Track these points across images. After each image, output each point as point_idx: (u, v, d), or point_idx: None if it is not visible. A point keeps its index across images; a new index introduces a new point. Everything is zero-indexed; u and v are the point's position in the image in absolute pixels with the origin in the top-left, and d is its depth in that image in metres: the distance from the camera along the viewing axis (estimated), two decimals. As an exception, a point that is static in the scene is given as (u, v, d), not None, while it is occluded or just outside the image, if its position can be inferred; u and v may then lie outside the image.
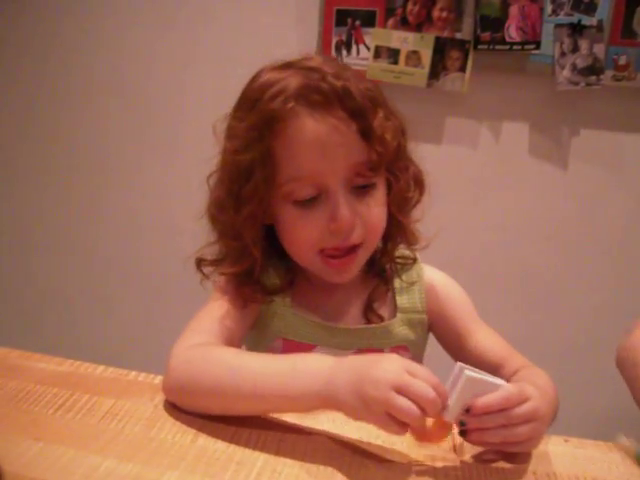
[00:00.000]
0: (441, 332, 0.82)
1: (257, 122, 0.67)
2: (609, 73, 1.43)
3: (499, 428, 0.54)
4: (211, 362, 0.63)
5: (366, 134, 0.67)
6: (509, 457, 0.58)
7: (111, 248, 1.81)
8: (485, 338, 0.79)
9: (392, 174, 0.74)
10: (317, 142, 0.67)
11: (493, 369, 0.73)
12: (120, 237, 1.79)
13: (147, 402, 0.64)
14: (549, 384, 0.68)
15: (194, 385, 0.62)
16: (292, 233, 0.72)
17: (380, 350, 0.77)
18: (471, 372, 0.54)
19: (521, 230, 1.59)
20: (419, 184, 0.78)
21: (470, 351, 0.78)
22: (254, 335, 0.79)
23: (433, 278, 0.82)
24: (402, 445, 0.60)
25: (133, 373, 0.70)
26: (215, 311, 0.73)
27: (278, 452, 0.58)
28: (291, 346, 0.76)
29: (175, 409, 0.64)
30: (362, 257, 0.74)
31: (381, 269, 0.81)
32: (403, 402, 0.51)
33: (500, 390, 0.54)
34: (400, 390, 0.52)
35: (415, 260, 0.82)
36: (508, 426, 0.54)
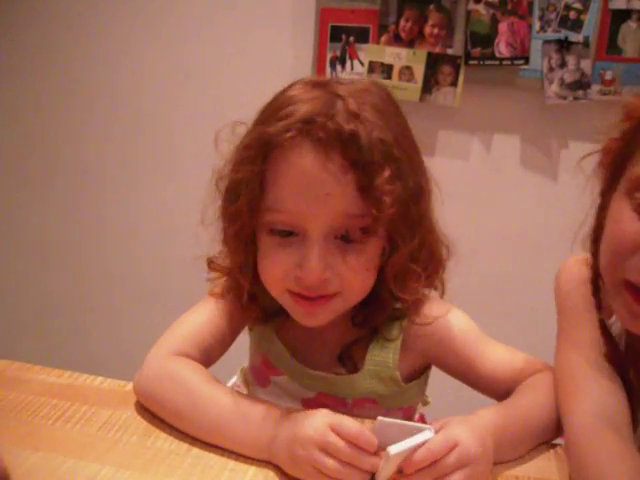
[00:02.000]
0: (447, 368, 0.76)
1: (255, 142, 0.63)
2: (596, 87, 1.46)
3: None
4: (176, 388, 0.65)
5: (363, 188, 0.61)
6: None
7: (110, 259, 1.82)
8: (493, 358, 0.73)
9: (393, 239, 0.66)
10: (305, 181, 0.61)
11: (508, 387, 0.70)
12: (120, 247, 1.81)
13: (144, 413, 0.66)
14: (538, 400, 0.66)
15: (158, 404, 0.66)
16: (262, 265, 0.67)
17: (342, 399, 0.74)
18: (384, 419, 0.55)
19: (513, 240, 1.61)
20: (433, 260, 0.70)
21: (480, 377, 0.73)
22: (254, 336, 0.80)
23: (426, 328, 0.72)
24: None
25: (130, 384, 0.71)
26: (201, 315, 0.74)
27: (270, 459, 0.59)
28: (266, 365, 0.77)
29: (171, 419, 0.66)
30: (337, 307, 0.67)
31: (369, 327, 0.74)
32: (328, 462, 0.54)
33: (425, 445, 0.53)
34: (324, 450, 0.54)
35: (401, 316, 0.73)
36: (441, 477, 0.53)
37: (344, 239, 0.63)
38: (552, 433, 0.66)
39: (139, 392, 0.68)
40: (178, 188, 1.70)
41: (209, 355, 0.73)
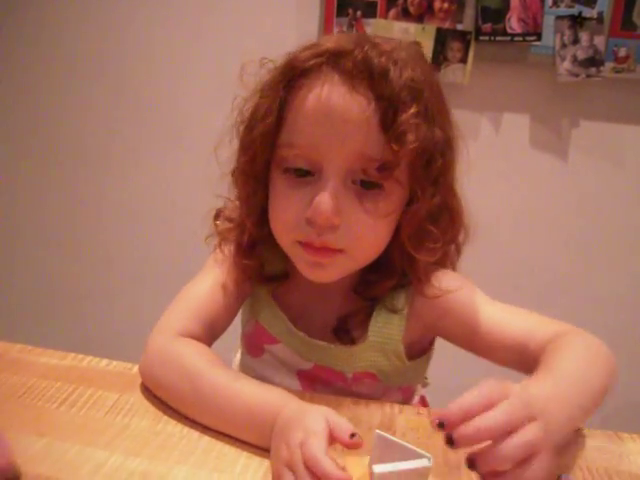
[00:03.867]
0: (454, 339, 0.71)
1: (280, 70, 0.61)
2: (609, 65, 1.42)
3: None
4: (179, 374, 0.61)
5: (386, 125, 0.57)
6: None
7: (114, 240, 1.79)
8: (499, 317, 0.67)
9: (414, 191, 0.61)
10: (326, 112, 0.57)
11: (518, 351, 0.64)
12: (123, 229, 1.78)
13: (152, 396, 0.63)
14: (587, 361, 0.58)
15: (162, 389, 0.63)
16: (274, 208, 0.64)
17: (341, 374, 0.70)
18: (382, 434, 0.48)
19: (521, 221, 1.59)
20: (452, 223, 0.66)
21: (483, 338, 0.66)
22: (248, 300, 0.76)
23: (433, 300, 0.67)
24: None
25: (137, 367, 0.68)
26: (204, 286, 0.70)
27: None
28: (260, 332, 0.74)
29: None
30: (342, 265, 0.63)
31: (371, 296, 0.69)
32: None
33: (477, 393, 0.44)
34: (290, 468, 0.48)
35: (407, 284, 0.69)
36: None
37: (362, 185, 0.60)
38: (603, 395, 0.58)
39: (143, 376, 0.65)
40: (181, 169, 1.67)
41: (214, 328, 0.70)
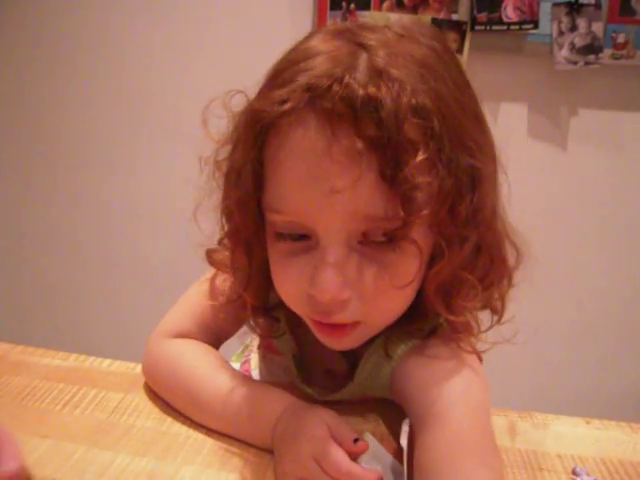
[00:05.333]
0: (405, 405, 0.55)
1: (246, 120, 0.49)
2: (608, 52, 1.41)
3: None
4: (177, 375, 0.59)
5: (387, 178, 0.43)
6: None
7: (115, 240, 1.78)
8: (431, 438, 0.48)
9: (437, 243, 0.49)
10: (306, 171, 0.45)
11: None
12: (125, 230, 1.76)
13: (157, 396, 0.62)
14: None
15: (163, 391, 0.61)
16: (275, 280, 0.53)
17: None
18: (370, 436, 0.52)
19: (520, 210, 1.58)
20: (494, 267, 0.52)
21: (416, 449, 0.49)
22: None
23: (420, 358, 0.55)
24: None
25: (140, 366, 0.67)
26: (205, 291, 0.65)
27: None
28: (269, 343, 0.70)
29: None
30: (361, 333, 0.53)
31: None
32: None
33: None
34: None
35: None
36: None
37: (367, 246, 0.47)
38: None
39: (147, 374, 0.64)
40: (180, 170, 1.65)
41: (217, 333, 0.66)
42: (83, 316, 1.84)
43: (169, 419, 0.59)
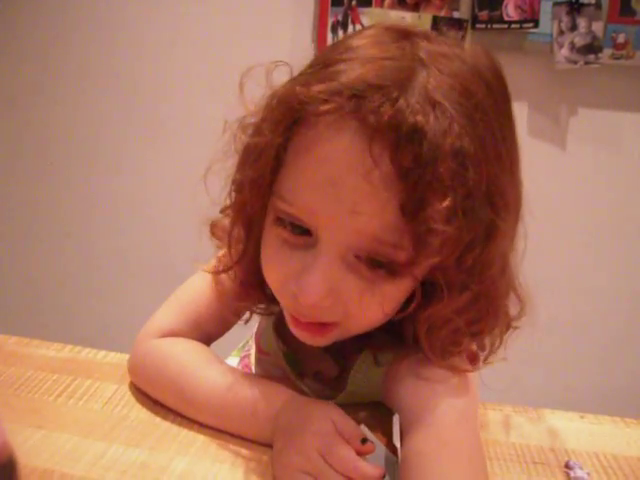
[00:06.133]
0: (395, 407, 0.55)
1: (281, 102, 0.47)
2: (608, 51, 1.42)
3: None
4: (170, 373, 0.58)
5: (407, 212, 0.42)
6: None
7: (108, 232, 1.78)
8: (419, 441, 0.48)
9: (437, 283, 0.47)
10: (331, 177, 0.44)
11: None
12: (117, 222, 1.77)
13: (151, 387, 0.62)
14: None
15: (150, 389, 0.60)
16: (264, 263, 0.52)
17: None
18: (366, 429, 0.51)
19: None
20: (489, 316, 0.50)
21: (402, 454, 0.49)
22: None
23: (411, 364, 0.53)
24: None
25: (135, 358, 0.67)
26: (197, 287, 0.64)
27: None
28: (259, 345, 0.70)
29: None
30: (336, 336, 0.52)
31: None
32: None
33: None
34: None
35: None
36: None
37: (365, 262, 0.46)
38: None
39: (131, 375, 0.63)
40: (181, 166, 1.65)
41: (208, 333, 0.65)
42: (79, 307, 1.84)
43: (163, 410, 0.59)
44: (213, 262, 0.62)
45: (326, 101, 0.43)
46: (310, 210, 0.46)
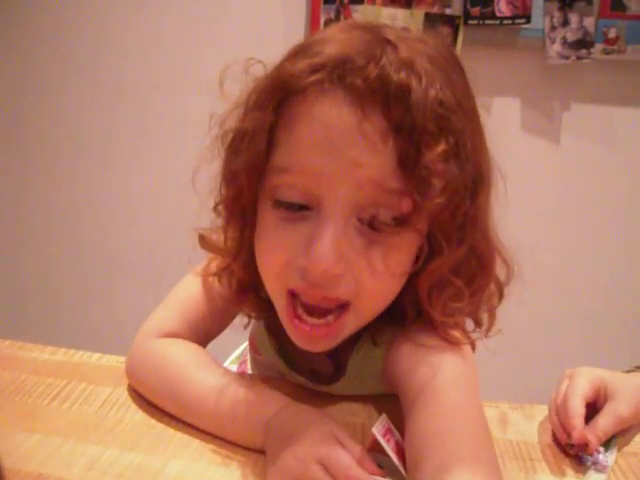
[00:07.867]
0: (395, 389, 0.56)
1: (269, 83, 0.49)
2: (599, 47, 1.42)
3: None
4: (165, 375, 0.58)
5: (405, 164, 0.45)
6: None
7: (102, 234, 1.77)
8: (421, 418, 0.49)
9: (437, 240, 0.49)
10: (329, 135, 0.45)
11: (413, 464, 0.47)
12: (110, 222, 1.76)
13: (146, 389, 0.62)
14: None
15: (147, 391, 0.60)
16: (260, 249, 0.52)
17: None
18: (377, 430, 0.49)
19: (513, 205, 1.58)
20: (483, 274, 0.53)
21: (406, 430, 0.50)
22: None
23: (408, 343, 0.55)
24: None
25: (130, 360, 0.67)
26: (192, 288, 0.64)
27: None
28: (252, 344, 0.70)
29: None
30: (348, 325, 0.52)
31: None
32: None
33: None
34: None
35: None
36: None
37: (371, 226, 0.47)
38: None
39: (128, 377, 0.63)
40: (169, 165, 1.64)
41: (206, 333, 0.65)
42: (73, 310, 1.83)
43: (158, 413, 0.58)
44: (206, 263, 0.63)
45: (313, 72, 0.46)
46: (311, 170, 0.47)
